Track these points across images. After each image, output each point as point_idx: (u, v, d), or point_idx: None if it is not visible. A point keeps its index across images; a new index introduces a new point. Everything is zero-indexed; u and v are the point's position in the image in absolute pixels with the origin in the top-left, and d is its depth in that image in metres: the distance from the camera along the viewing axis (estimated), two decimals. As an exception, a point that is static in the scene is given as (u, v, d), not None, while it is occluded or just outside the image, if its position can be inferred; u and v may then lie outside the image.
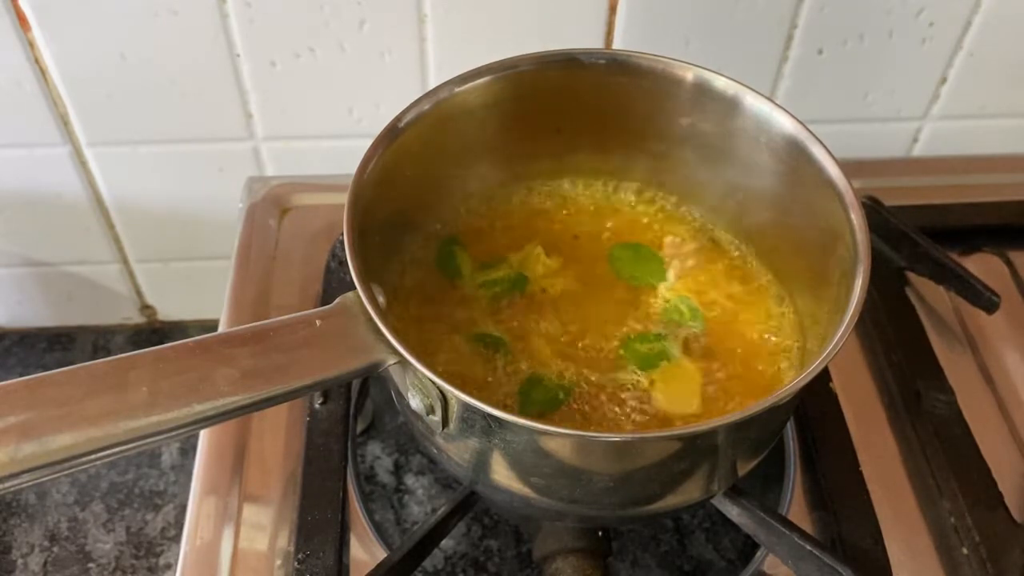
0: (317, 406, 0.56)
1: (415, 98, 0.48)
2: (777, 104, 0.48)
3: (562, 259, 0.53)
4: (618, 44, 0.69)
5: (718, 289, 0.53)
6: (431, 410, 0.42)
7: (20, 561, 0.73)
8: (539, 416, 0.46)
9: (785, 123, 0.48)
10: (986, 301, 0.62)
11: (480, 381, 0.48)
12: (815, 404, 0.57)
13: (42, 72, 0.68)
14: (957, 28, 0.70)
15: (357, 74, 0.69)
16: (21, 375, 0.39)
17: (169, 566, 0.73)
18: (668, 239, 0.55)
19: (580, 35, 0.68)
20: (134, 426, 0.38)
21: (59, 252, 0.82)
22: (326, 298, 0.62)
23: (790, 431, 0.57)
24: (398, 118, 0.47)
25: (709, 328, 0.51)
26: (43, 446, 0.37)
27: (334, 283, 0.63)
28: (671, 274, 0.53)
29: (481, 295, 0.52)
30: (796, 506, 0.54)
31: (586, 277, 0.53)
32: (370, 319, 0.41)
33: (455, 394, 0.39)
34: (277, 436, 0.56)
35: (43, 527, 0.75)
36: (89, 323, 0.89)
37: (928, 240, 0.64)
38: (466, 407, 0.40)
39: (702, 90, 0.50)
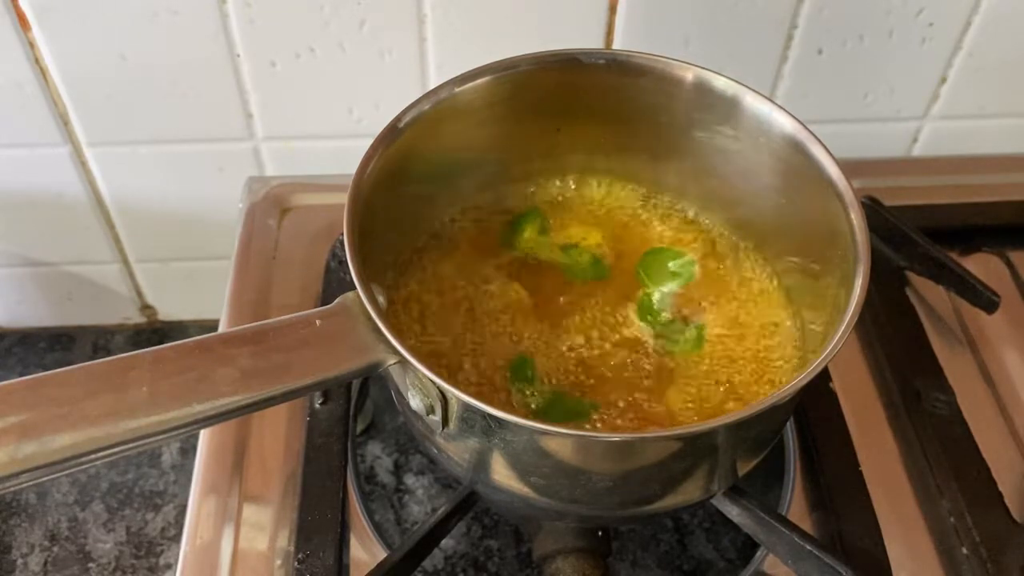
0: (317, 406, 0.56)
1: (415, 98, 0.48)
2: (777, 104, 0.48)
3: (560, 259, 0.54)
4: (618, 44, 0.69)
5: (716, 288, 0.53)
6: (431, 410, 0.42)
7: (20, 561, 0.73)
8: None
9: (785, 123, 0.48)
10: (986, 301, 0.62)
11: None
12: (815, 404, 0.57)
13: (42, 72, 0.67)
14: (957, 28, 0.70)
15: (357, 74, 0.69)
16: (21, 375, 0.39)
17: (169, 566, 0.73)
18: (667, 238, 0.55)
19: (580, 35, 0.68)
20: (134, 426, 0.38)
21: (59, 252, 0.82)
22: (326, 298, 0.62)
23: (790, 431, 0.57)
24: (398, 118, 0.47)
25: (708, 327, 0.51)
26: (43, 446, 0.37)
27: (334, 283, 0.63)
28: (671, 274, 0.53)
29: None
30: (796, 506, 0.54)
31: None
32: (370, 319, 0.41)
33: (455, 394, 0.39)
34: (277, 436, 0.56)
35: (43, 527, 0.75)
36: (89, 323, 0.89)
37: (928, 240, 0.64)
38: (466, 407, 0.40)
39: (702, 90, 0.50)
